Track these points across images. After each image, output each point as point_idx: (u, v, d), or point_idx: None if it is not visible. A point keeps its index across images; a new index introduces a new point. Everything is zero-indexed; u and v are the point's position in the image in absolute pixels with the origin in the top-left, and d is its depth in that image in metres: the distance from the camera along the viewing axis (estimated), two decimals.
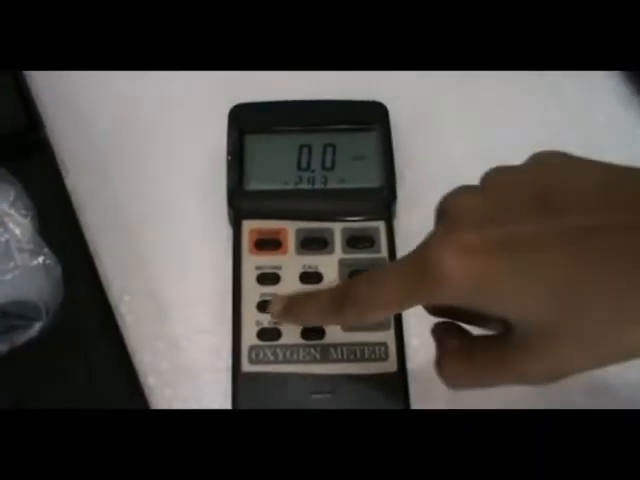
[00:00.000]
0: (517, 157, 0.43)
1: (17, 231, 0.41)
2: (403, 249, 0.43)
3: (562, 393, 0.40)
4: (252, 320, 0.41)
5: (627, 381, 0.41)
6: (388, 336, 0.40)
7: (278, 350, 0.40)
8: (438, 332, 0.36)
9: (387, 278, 0.34)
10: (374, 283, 0.34)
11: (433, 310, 0.37)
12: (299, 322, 0.40)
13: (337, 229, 0.43)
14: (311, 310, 0.38)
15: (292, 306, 0.39)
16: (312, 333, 0.40)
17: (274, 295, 0.40)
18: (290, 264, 0.42)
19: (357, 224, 0.43)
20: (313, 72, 0.47)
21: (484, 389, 0.34)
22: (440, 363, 0.35)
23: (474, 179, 0.47)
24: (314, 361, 0.40)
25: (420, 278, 0.32)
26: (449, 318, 0.36)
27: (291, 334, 0.40)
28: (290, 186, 0.44)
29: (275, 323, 0.41)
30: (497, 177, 0.34)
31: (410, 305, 0.34)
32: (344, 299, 0.35)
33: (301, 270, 0.42)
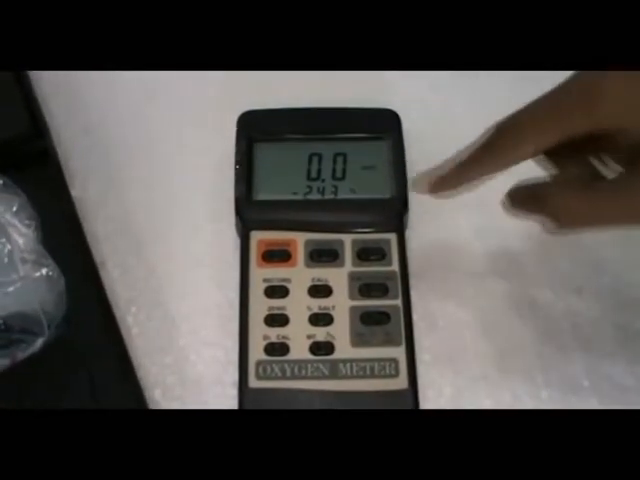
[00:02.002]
0: (533, 165, 0.41)
1: (20, 241, 0.40)
2: (415, 262, 0.43)
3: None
4: (260, 334, 0.40)
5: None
6: (399, 352, 0.39)
7: (286, 365, 0.39)
8: (558, 158, 0.36)
9: (540, 106, 0.35)
10: (527, 112, 0.35)
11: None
12: (465, 179, 0.38)
13: (347, 241, 0.42)
14: (469, 155, 0.37)
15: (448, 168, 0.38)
16: (321, 349, 0.40)
17: (419, 173, 0.39)
18: (299, 277, 0.41)
19: (368, 236, 0.42)
20: (323, 80, 0.47)
21: (596, 229, 0.34)
22: (554, 193, 0.34)
23: (488, 190, 0.46)
24: (323, 377, 0.39)
25: (579, 99, 0.33)
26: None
27: (299, 349, 0.40)
28: (299, 196, 0.43)
29: (283, 338, 0.40)
30: None
31: (560, 129, 0.34)
32: (497, 136, 0.36)
33: (310, 283, 0.41)
